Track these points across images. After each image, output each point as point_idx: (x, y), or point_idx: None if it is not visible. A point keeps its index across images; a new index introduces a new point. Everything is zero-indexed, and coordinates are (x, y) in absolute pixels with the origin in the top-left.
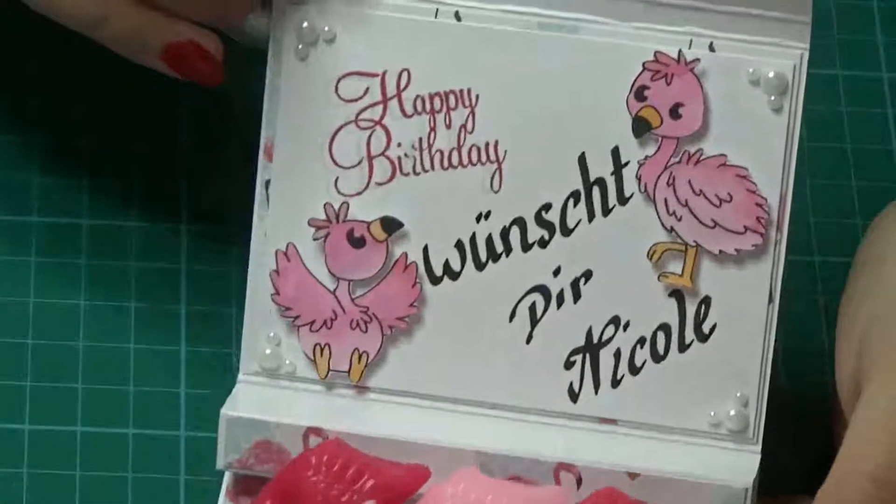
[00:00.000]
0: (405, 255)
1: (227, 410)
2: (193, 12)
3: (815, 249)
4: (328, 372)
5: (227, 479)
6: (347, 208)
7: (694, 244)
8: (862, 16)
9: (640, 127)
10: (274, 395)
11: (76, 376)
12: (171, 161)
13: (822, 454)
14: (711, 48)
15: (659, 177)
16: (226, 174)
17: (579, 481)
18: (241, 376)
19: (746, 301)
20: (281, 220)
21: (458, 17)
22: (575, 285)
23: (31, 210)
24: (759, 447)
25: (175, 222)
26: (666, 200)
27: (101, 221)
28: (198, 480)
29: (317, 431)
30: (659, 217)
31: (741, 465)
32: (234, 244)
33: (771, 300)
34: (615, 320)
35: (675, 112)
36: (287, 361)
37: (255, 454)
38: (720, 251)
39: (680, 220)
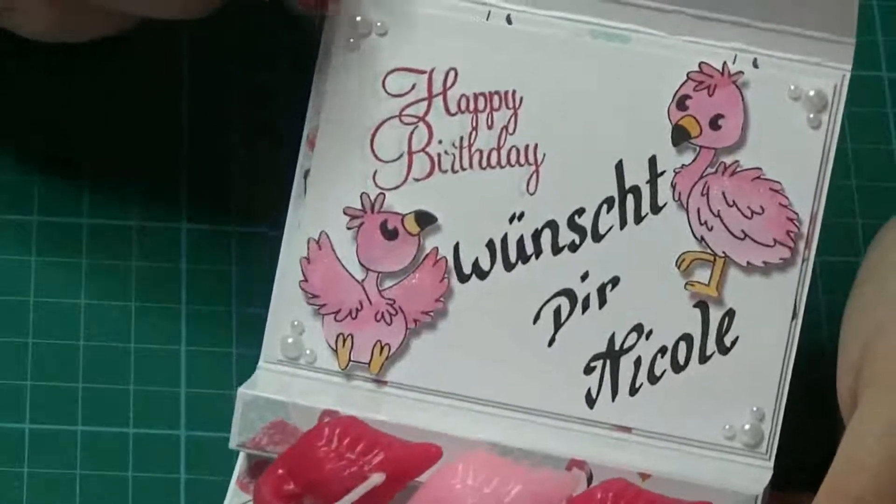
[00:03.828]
0: (436, 249)
1: (244, 390)
2: None
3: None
4: (349, 362)
5: (238, 468)
6: (384, 200)
7: (723, 255)
8: (862, 16)
9: (679, 136)
10: (292, 382)
11: (76, 376)
12: (172, 161)
13: (824, 453)
14: (755, 65)
15: (693, 186)
16: (227, 174)
17: (590, 479)
18: (261, 363)
19: (770, 315)
20: (316, 209)
21: (509, 20)
22: (601, 291)
23: (31, 209)
24: (771, 462)
25: (175, 222)
26: (699, 210)
27: (102, 221)
28: (198, 480)
29: (333, 414)
30: (690, 226)
31: (752, 476)
32: (234, 244)
33: (794, 316)
34: (638, 328)
35: (714, 123)
36: (308, 351)
37: (269, 434)
38: (748, 263)
39: (711, 230)
